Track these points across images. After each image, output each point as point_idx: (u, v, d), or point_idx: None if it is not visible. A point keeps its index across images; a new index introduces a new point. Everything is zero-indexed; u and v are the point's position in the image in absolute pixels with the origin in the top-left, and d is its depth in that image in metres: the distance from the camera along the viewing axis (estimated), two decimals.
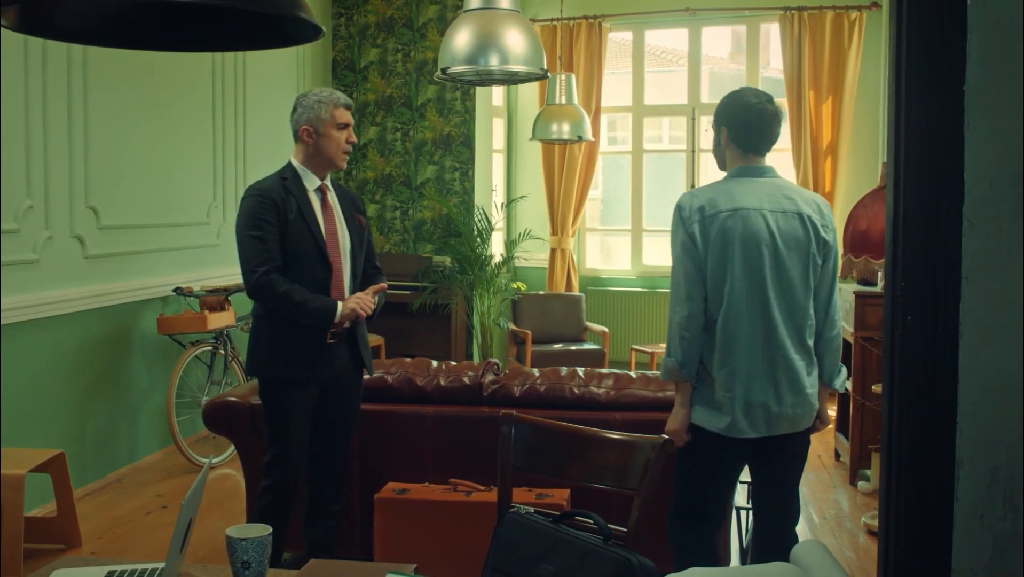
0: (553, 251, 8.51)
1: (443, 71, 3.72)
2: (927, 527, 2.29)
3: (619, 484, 2.08)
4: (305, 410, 3.41)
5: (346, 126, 3.42)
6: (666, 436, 2.13)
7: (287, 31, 1.14)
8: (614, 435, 2.14)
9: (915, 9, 2.23)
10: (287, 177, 3.41)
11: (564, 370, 3.82)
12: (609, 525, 2.03)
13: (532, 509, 2.18)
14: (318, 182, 3.43)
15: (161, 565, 1.87)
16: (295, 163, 3.45)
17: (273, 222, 3.31)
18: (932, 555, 2.27)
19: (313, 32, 1.13)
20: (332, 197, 3.48)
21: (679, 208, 2.94)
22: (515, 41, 3.65)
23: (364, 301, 3.41)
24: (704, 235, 2.89)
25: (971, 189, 2.20)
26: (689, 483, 3.03)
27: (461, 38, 3.67)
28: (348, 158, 3.49)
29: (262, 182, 3.43)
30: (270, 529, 1.78)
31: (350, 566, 1.86)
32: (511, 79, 3.84)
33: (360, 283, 3.53)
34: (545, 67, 3.75)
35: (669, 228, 3.04)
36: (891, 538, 2.36)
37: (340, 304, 3.35)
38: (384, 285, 3.55)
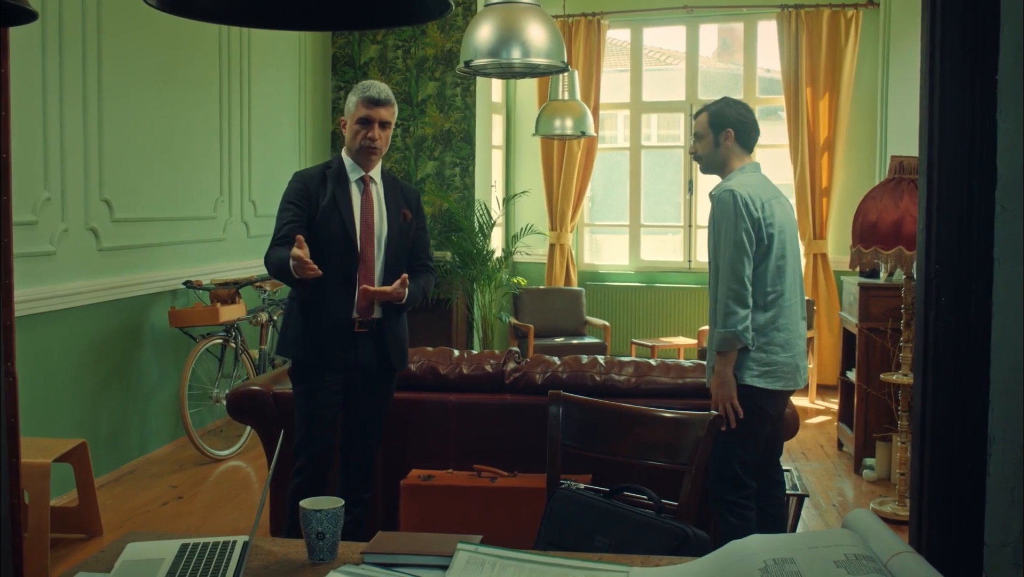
0: (552, 246, 8.57)
1: (466, 64, 3.77)
2: (960, 502, 2.36)
3: (670, 460, 2.14)
4: (329, 393, 3.45)
5: (368, 121, 3.40)
6: (715, 412, 2.19)
7: (417, 8, 1.19)
8: (665, 413, 2.20)
9: None
10: (331, 166, 3.48)
11: (585, 358, 3.88)
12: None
13: (582, 485, 2.24)
14: (361, 173, 3.47)
15: (229, 538, 1.92)
16: (343, 153, 3.51)
17: (302, 206, 3.39)
18: (965, 529, 2.35)
19: (438, 9, 1.18)
20: (376, 189, 3.49)
21: (737, 197, 3.23)
22: (537, 34, 3.72)
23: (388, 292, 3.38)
24: (768, 222, 3.25)
25: (1003, 174, 2.27)
26: (745, 444, 3.26)
27: (484, 32, 3.73)
28: (375, 155, 3.44)
29: (307, 169, 3.55)
30: (342, 501, 1.83)
31: (416, 537, 1.91)
32: (532, 72, 3.90)
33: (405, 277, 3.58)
34: (566, 60, 3.81)
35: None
36: (924, 513, 2.44)
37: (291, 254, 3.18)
38: (397, 283, 3.39)
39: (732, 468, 3.24)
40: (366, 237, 3.44)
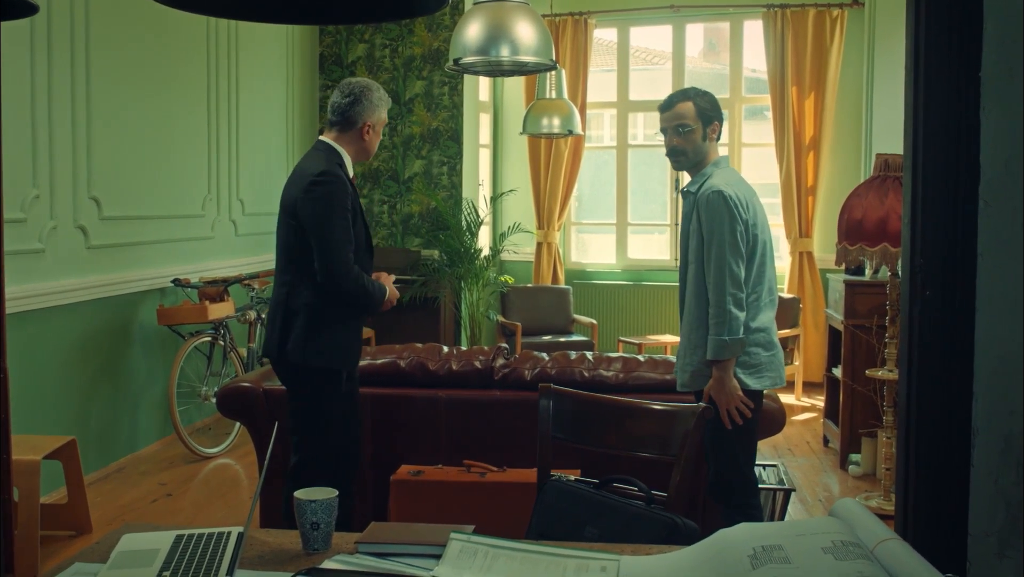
0: (539, 245, 8.60)
1: (455, 62, 3.79)
2: (945, 493, 2.40)
3: (660, 452, 2.17)
4: (349, 396, 3.50)
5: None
6: (704, 405, 2.22)
7: (415, 0, 1.20)
8: (655, 405, 2.23)
9: None
10: (341, 163, 3.37)
11: (573, 354, 3.91)
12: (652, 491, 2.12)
13: (572, 477, 2.26)
14: (351, 172, 3.49)
15: (224, 529, 1.93)
16: (340, 151, 3.41)
17: (350, 208, 3.32)
18: (950, 520, 2.38)
19: (436, 1, 1.20)
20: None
21: (728, 199, 3.14)
22: (526, 32, 3.74)
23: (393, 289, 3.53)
24: (752, 222, 3.19)
25: (987, 170, 2.31)
26: (744, 444, 3.25)
27: (473, 29, 3.75)
28: None
29: (329, 166, 3.32)
30: (336, 492, 1.85)
31: (409, 527, 1.94)
32: (520, 70, 3.93)
33: None
34: (554, 58, 3.83)
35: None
36: (909, 504, 2.47)
37: (387, 285, 3.48)
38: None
39: (737, 472, 3.23)
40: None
